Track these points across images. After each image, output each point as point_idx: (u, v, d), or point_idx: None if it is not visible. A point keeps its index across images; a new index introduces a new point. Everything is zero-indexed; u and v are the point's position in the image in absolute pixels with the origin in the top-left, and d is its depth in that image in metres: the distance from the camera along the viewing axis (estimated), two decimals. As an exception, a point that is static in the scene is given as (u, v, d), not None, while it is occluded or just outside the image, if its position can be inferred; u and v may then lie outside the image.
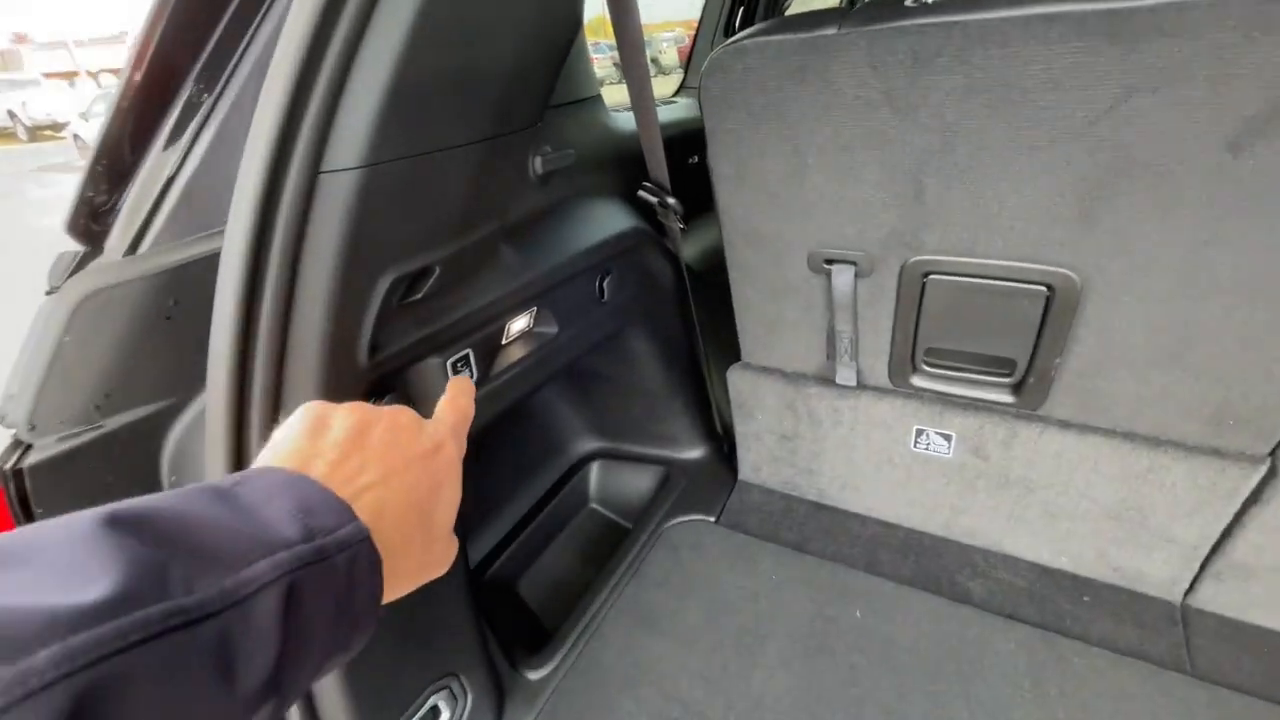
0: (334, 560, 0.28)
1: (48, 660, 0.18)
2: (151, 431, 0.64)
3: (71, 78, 24.80)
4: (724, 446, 1.35)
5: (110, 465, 0.62)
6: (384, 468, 0.35)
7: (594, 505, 1.40)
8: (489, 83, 0.62)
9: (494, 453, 1.25)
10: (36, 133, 16.75)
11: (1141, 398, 0.83)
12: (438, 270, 0.68)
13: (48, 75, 21.35)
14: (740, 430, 1.23)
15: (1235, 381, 0.77)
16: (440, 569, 0.38)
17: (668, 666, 0.96)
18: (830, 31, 0.71)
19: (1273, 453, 0.82)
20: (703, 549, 1.17)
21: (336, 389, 0.61)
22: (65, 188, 10.48)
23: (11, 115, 16.60)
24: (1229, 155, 0.62)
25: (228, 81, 0.64)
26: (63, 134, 15.83)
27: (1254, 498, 0.83)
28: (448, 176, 0.63)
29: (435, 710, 0.83)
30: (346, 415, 0.37)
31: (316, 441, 0.35)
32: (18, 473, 0.57)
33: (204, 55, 0.63)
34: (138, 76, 0.62)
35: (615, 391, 1.32)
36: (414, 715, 0.79)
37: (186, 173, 0.64)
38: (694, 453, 1.37)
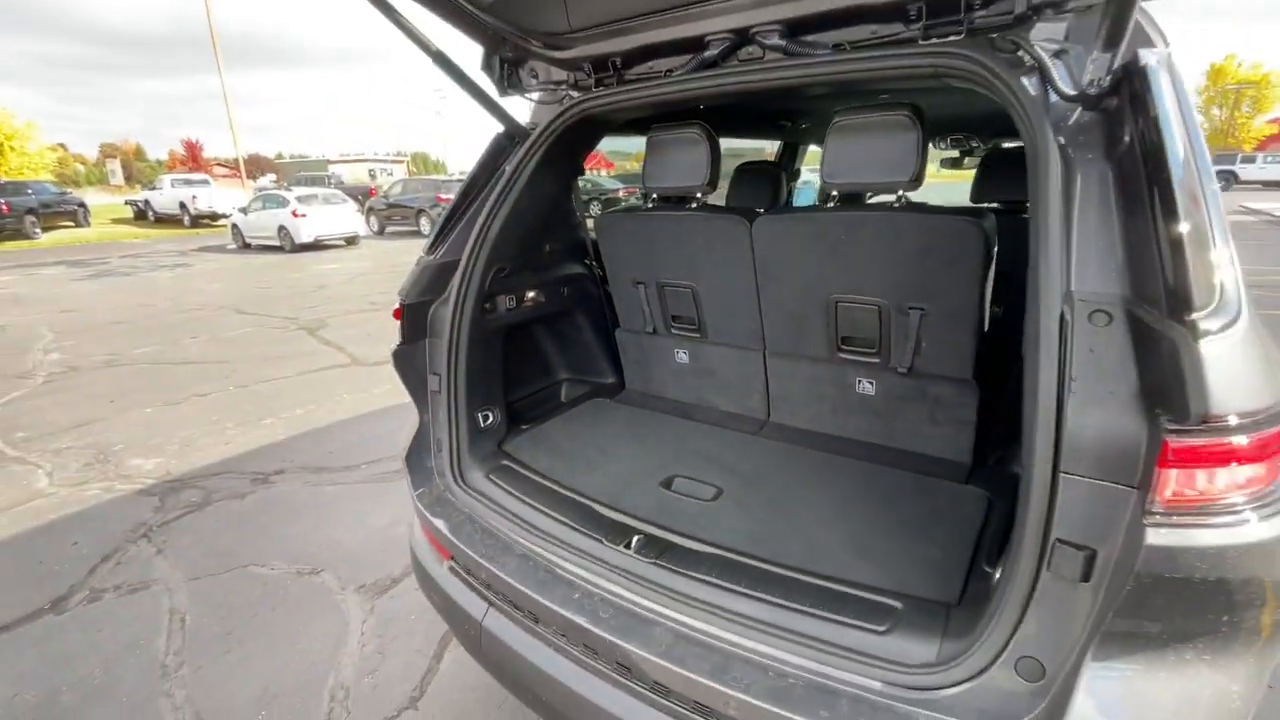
0: None
1: None
2: (427, 305, 1.98)
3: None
4: (624, 377, 2.64)
5: (418, 314, 1.96)
6: None
7: (561, 400, 2.71)
8: (535, 230, 2.05)
9: (526, 360, 2.53)
10: (197, 221, 20.48)
11: (733, 330, 2.09)
12: (507, 269, 2.08)
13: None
14: (624, 361, 2.52)
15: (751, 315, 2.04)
16: None
17: (576, 431, 2.16)
18: (621, 213, 2.13)
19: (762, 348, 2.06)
20: (601, 409, 2.42)
21: (478, 295, 1.96)
22: (221, 262, 12.99)
23: (182, 206, 20.47)
24: (704, 255, 1.95)
25: (472, 211, 2.09)
26: (220, 223, 19.40)
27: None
28: (512, 250, 2.05)
29: (488, 415, 2.03)
30: None
31: None
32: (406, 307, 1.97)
33: (465, 204, 2.08)
34: (451, 212, 2.09)
35: (573, 346, 2.61)
36: (489, 411, 2.00)
37: (451, 237, 2.09)
38: (610, 379, 2.64)
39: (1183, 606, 0.74)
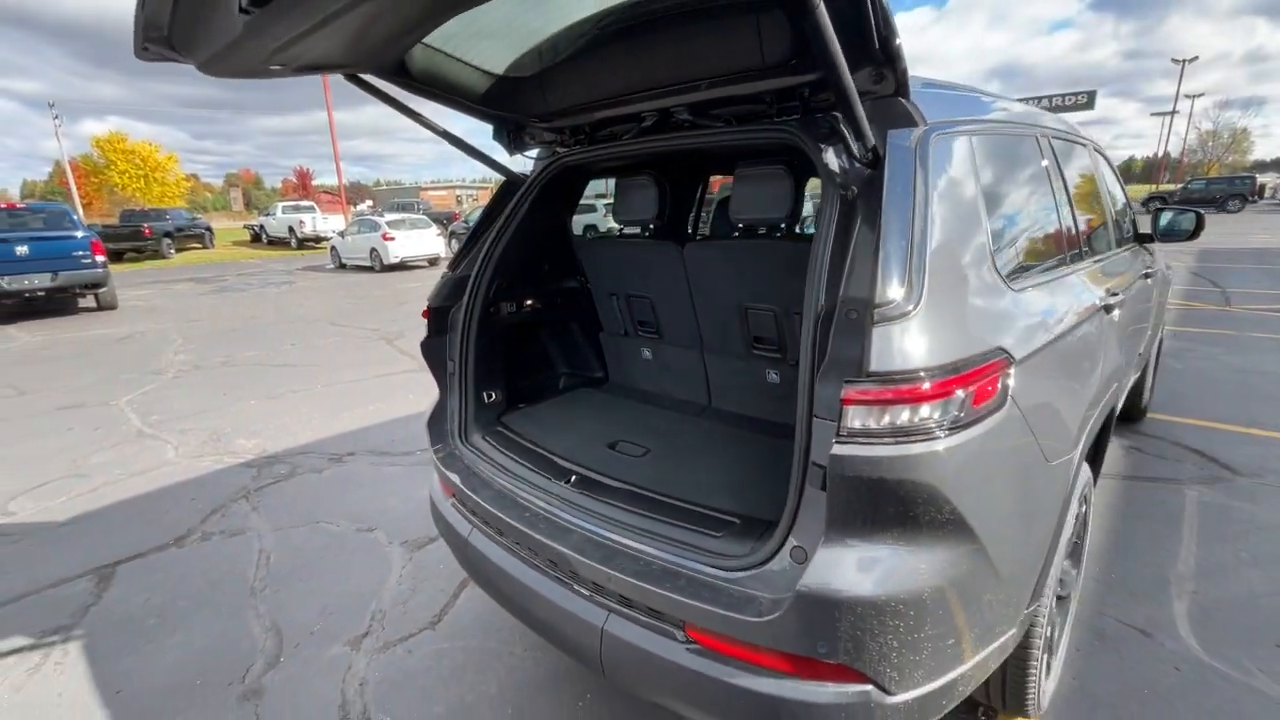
0: None
1: None
2: (448, 309, 2.52)
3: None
4: (608, 371, 3.07)
5: (440, 315, 2.50)
6: None
7: (559, 389, 3.18)
8: (533, 252, 2.55)
9: (531, 356, 3.03)
10: (303, 243, 22.68)
11: (680, 333, 2.45)
12: (508, 282, 2.58)
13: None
14: (607, 358, 2.93)
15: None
16: None
17: (561, 410, 2.59)
18: (597, 239, 2.58)
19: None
20: (586, 395, 2.83)
21: (483, 302, 2.46)
22: (320, 280, 14.39)
23: (291, 230, 22.75)
24: (655, 273, 2.35)
25: (483, 241, 2.64)
26: (320, 246, 21.44)
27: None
28: (512, 267, 2.55)
29: (491, 394, 2.49)
30: None
31: None
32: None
33: (480, 233, 2.63)
34: (470, 236, 2.64)
35: (570, 346, 3.03)
36: (491, 391, 2.48)
37: (469, 257, 2.63)
38: (599, 373, 3.08)
39: (867, 499, 1.11)
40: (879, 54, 1.17)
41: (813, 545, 1.20)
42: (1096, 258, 2.18)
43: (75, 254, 9.55)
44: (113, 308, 10.47)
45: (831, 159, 1.33)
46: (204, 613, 2.52)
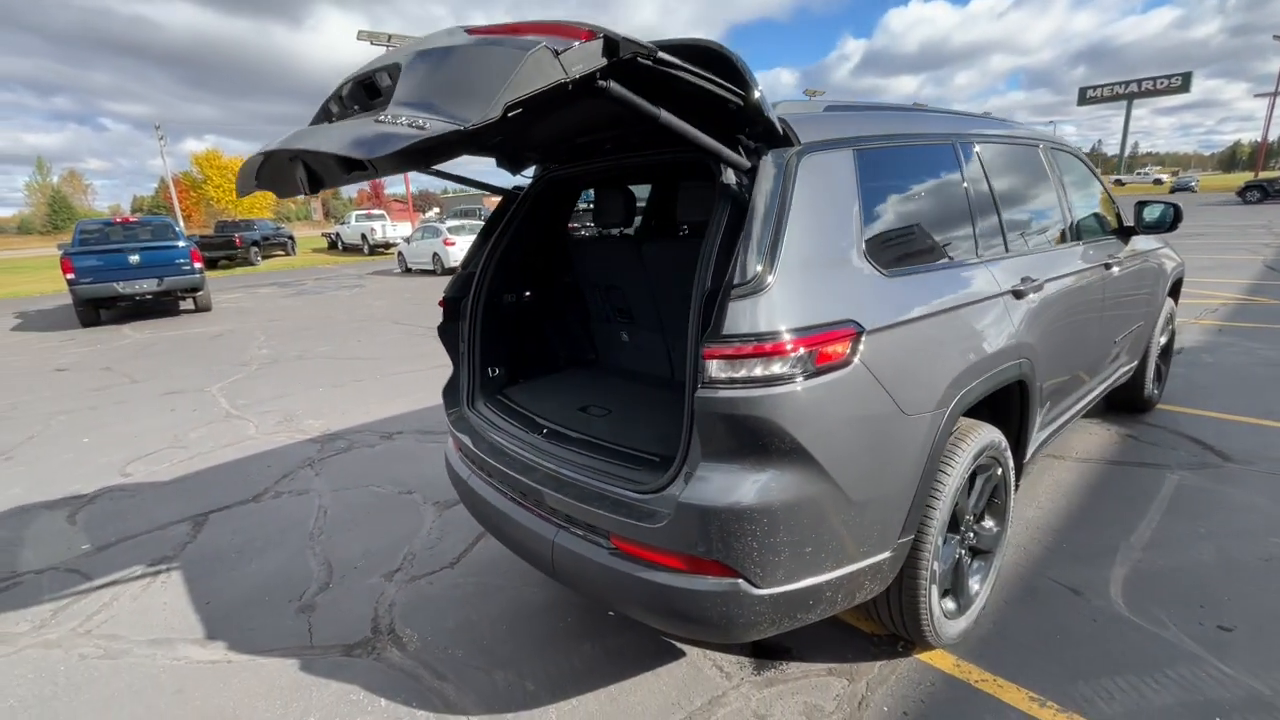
0: None
1: None
2: (459, 299, 2.94)
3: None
4: (598, 353, 3.41)
5: (453, 305, 2.97)
6: None
7: (558, 367, 3.58)
8: (531, 252, 2.98)
9: (533, 341, 3.43)
10: (374, 250, 24.20)
11: (648, 318, 2.79)
12: (508, 277, 3.02)
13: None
14: (596, 342, 3.28)
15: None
16: None
17: (552, 384, 2.98)
18: (582, 239, 2.98)
19: None
20: (576, 373, 3.14)
21: (488, 293, 2.89)
22: (387, 283, 15.44)
23: (363, 237, 24.32)
24: (625, 268, 2.73)
25: (487, 244, 3.09)
26: (390, 251, 22.84)
27: None
28: (512, 265, 2.98)
29: (495, 370, 2.91)
30: None
31: None
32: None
33: (485, 238, 3.09)
34: (477, 240, 3.11)
35: (565, 332, 3.40)
36: (495, 368, 2.93)
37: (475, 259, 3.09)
38: (591, 355, 3.41)
39: (724, 432, 1.46)
40: (746, 101, 1.53)
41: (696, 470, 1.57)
42: (1022, 249, 2.41)
43: (177, 262, 10.76)
44: (208, 309, 11.70)
45: (730, 176, 1.69)
46: (274, 551, 3.09)
